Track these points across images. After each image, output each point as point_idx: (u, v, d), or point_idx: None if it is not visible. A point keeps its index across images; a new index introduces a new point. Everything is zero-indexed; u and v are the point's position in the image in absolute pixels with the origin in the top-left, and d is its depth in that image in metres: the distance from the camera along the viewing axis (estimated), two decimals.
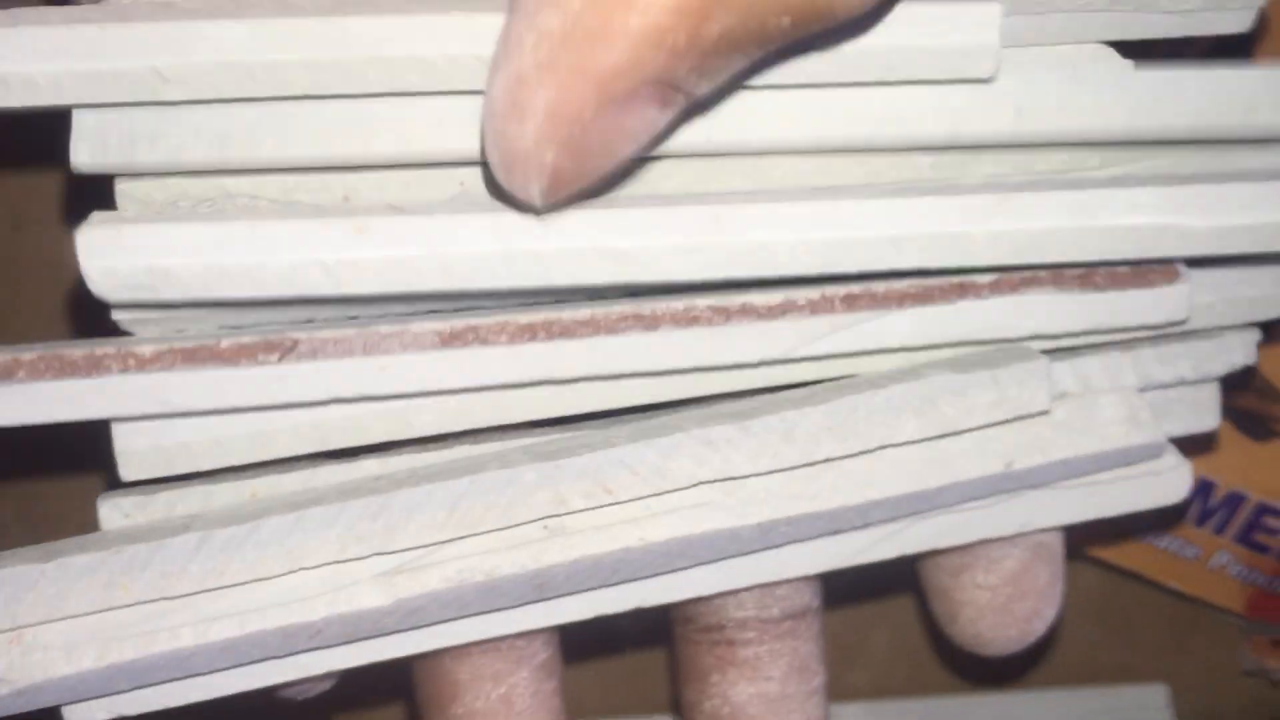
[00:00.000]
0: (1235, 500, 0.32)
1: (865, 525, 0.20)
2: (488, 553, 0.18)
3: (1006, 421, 0.19)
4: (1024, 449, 0.20)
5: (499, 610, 0.19)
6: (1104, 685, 0.34)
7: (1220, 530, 0.32)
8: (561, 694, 0.22)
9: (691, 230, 0.18)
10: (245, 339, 0.18)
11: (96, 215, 0.17)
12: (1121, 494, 0.21)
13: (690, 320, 0.19)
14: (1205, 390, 0.22)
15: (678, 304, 0.19)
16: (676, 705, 0.23)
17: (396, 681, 0.22)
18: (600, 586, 0.19)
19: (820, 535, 0.20)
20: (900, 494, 0.19)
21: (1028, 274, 0.19)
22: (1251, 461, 0.31)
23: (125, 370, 0.17)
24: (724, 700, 0.22)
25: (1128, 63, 0.19)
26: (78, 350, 0.18)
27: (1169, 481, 0.21)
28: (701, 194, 0.18)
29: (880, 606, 0.34)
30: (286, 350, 0.18)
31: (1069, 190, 0.18)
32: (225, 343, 0.18)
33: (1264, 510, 0.31)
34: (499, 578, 0.18)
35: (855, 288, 0.19)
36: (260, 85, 0.17)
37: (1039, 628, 0.22)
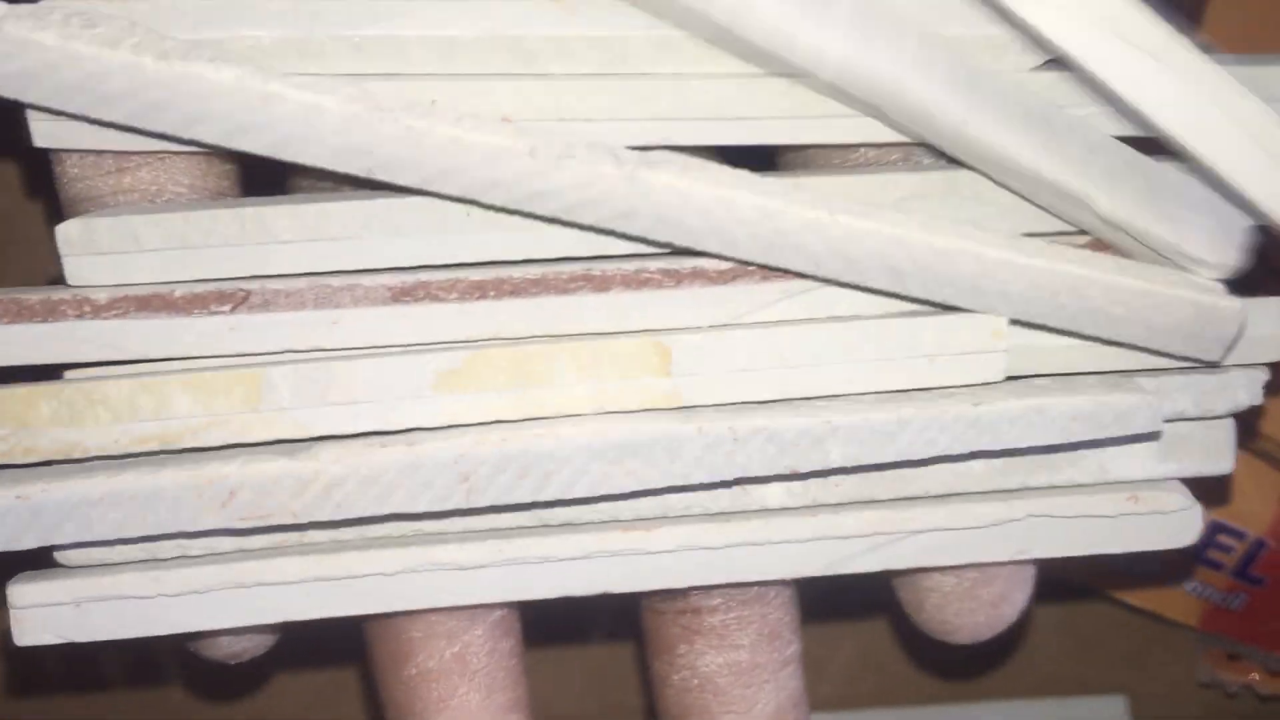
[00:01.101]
0: None
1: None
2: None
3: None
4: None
5: (427, 514, 0.19)
6: (1064, 697, 0.35)
7: None
8: (520, 655, 0.21)
9: None
10: (199, 289, 0.18)
11: None
12: (1128, 531, 0.20)
13: (641, 282, 0.19)
14: (1219, 430, 0.21)
15: (629, 266, 0.19)
16: (648, 683, 0.22)
17: (338, 645, 0.22)
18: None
19: None
20: None
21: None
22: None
23: (80, 316, 0.18)
24: (692, 672, 0.21)
25: None
26: (34, 295, 0.18)
27: (1179, 522, 0.20)
28: None
29: (848, 621, 0.35)
30: (239, 301, 0.18)
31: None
32: (179, 292, 0.18)
33: (1218, 529, 0.32)
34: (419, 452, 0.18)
35: None
36: None
37: (1008, 613, 0.21)
